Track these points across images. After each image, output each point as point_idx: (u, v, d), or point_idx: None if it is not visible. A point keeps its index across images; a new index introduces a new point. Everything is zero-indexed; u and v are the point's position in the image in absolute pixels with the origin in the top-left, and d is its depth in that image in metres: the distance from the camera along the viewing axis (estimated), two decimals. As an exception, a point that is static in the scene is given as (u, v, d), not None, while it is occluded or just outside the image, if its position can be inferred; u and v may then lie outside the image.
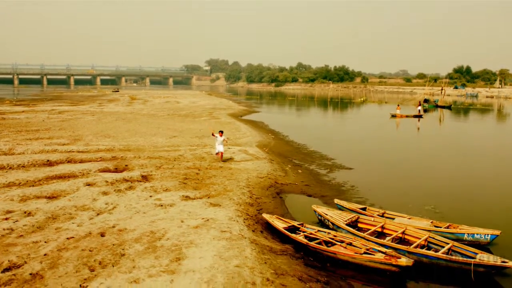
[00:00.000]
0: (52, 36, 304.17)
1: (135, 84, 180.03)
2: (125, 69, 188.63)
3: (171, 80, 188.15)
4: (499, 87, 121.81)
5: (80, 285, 7.19)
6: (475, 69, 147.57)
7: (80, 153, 18.97)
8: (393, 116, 46.24)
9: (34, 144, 20.71)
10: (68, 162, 17.26)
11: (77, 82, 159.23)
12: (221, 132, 18.05)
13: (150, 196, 12.73)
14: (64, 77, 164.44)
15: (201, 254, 8.56)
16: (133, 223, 10.34)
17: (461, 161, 22.94)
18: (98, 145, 21.13)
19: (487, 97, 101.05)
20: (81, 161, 17.37)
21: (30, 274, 7.55)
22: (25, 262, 8.01)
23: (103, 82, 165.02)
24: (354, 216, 11.65)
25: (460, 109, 61.64)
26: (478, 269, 8.85)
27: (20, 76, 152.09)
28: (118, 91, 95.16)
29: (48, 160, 17.13)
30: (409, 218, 11.71)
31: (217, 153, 18.14)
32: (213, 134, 18.27)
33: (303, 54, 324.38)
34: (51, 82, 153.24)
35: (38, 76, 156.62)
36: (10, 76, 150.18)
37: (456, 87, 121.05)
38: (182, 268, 7.91)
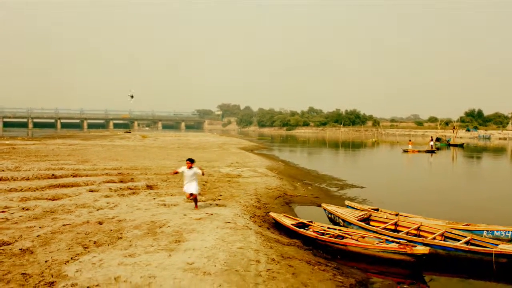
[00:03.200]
0: (67, 81, 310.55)
1: (147, 128, 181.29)
2: (138, 113, 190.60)
3: (183, 124, 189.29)
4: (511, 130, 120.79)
5: (71, 258, 6.72)
6: (486, 112, 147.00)
7: (86, 171, 18.66)
8: (405, 151, 45.59)
9: (41, 164, 20.44)
10: (74, 176, 16.91)
11: (90, 125, 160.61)
12: (191, 162, 11.14)
13: (154, 199, 12.30)
14: (77, 120, 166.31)
15: (203, 238, 8.06)
16: (133, 216, 9.90)
17: (476, 183, 22.28)
18: (105, 165, 20.84)
19: (499, 139, 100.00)
20: (87, 176, 17.03)
21: (20, 249, 7.12)
22: (16, 241, 7.58)
23: (116, 126, 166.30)
24: (366, 213, 11.06)
25: (473, 149, 60.78)
26: (499, 259, 8.20)
27: (35, 120, 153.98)
28: (130, 132, 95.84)
29: (53, 174, 16.80)
30: (425, 219, 11.09)
31: (189, 196, 10.96)
32: (176, 173, 11.57)
33: (314, 99, 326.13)
34: (64, 125, 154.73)
35: (52, 120, 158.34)
36: (25, 120, 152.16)
37: (468, 130, 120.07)
38: (182, 247, 7.41)
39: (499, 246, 8.42)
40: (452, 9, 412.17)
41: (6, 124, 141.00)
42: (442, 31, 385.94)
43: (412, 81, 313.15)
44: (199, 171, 11.14)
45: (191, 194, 10.84)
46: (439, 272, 8.50)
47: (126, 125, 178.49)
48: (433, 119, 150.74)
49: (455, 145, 60.20)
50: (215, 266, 6.53)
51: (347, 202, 12.69)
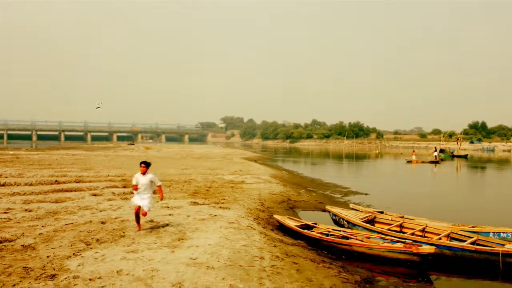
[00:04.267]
0: (70, 93, 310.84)
1: (150, 140, 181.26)
2: (141, 126, 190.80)
3: (186, 137, 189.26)
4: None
5: (74, 253, 6.66)
6: (490, 124, 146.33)
7: (89, 177, 18.63)
8: (409, 161, 45.38)
9: (44, 171, 20.46)
10: (77, 182, 16.90)
11: (94, 138, 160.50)
12: (146, 165, 8.54)
13: (157, 202, 12.14)
14: (81, 133, 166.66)
15: (206, 236, 8.00)
16: (136, 216, 9.84)
17: (481, 190, 22.13)
18: (109, 173, 20.82)
19: (504, 151, 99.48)
20: (90, 181, 17.01)
21: (22, 245, 7.08)
22: (18, 238, 7.55)
23: (119, 138, 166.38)
24: (371, 215, 10.97)
25: (477, 160, 60.52)
26: (506, 259, 8.08)
27: (39, 133, 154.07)
28: (133, 144, 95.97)
29: (56, 180, 16.80)
30: (430, 221, 10.96)
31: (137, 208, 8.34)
32: (136, 188, 8.41)
33: (318, 111, 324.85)
34: (68, 138, 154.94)
35: (56, 132, 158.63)
36: (29, 132, 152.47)
37: (472, 142, 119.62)
38: (185, 244, 7.35)
39: (506, 246, 8.30)
40: (455, 21, 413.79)
41: (10, 137, 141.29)
42: (444, 37, 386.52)
43: (415, 93, 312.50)
44: (157, 180, 8.61)
45: (139, 208, 8.32)
46: (445, 272, 8.38)
47: (129, 137, 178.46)
48: (436, 132, 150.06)
49: (459, 156, 59.97)
50: (218, 261, 6.46)
51: (351, 205, 12.61)
